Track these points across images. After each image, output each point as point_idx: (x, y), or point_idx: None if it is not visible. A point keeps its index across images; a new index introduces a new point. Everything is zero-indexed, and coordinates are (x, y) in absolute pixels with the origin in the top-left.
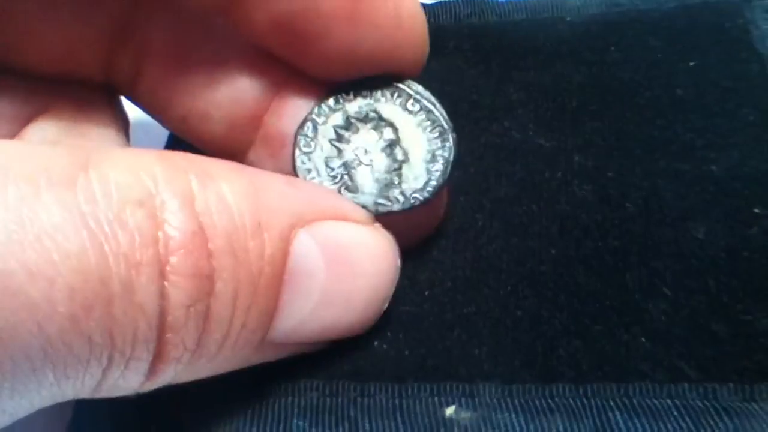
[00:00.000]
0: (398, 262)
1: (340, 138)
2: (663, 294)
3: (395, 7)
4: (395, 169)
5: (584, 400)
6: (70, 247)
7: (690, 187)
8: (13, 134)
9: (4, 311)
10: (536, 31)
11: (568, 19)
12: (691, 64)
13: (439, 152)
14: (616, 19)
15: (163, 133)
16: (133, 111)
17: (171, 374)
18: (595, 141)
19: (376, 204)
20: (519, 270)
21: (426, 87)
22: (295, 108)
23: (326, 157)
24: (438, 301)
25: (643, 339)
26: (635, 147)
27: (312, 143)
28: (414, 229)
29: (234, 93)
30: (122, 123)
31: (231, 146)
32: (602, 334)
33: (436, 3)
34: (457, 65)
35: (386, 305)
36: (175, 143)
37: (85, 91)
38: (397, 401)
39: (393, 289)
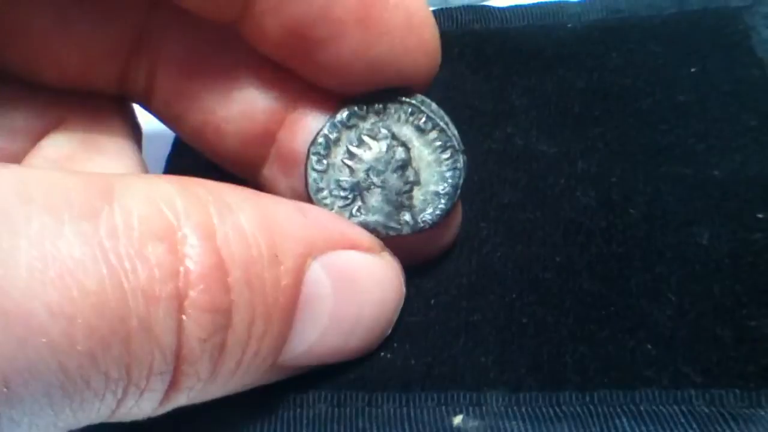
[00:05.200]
0: (403, 288)
1: (352, 156)
2: (668, 299)
3: (406, 12)
4: (406, 192)
5: (591, 407)
6: (89, 285)
7: (693, 191)
8: (28, 148)
9: (26, 350)
10: (538, 37)
11: (569, 25)
12: (692, 69)
13: (449, 174)
14: (616, 25)
15: (170, 140)
16: (142, 117)
17: (183, 400)
18: (597, 146)
19: (386, 227)
20: (524, 277)
21: (440, 106)
22: (308, 125)
23: (338, 177)
24: (443, 309)
25: (648, 345)
26: (637, 152)
27: (324, 161)
28: (428, 247)
29: (247, 107)
30: (135, 134)
31: (244, 161)
32: (608, 340)
33: (438, 9)
34: (459, 71)
35: (390, 330)
36: (180, 148)
37: (99, 104)
38: (404, 410)
39: (397, 314)
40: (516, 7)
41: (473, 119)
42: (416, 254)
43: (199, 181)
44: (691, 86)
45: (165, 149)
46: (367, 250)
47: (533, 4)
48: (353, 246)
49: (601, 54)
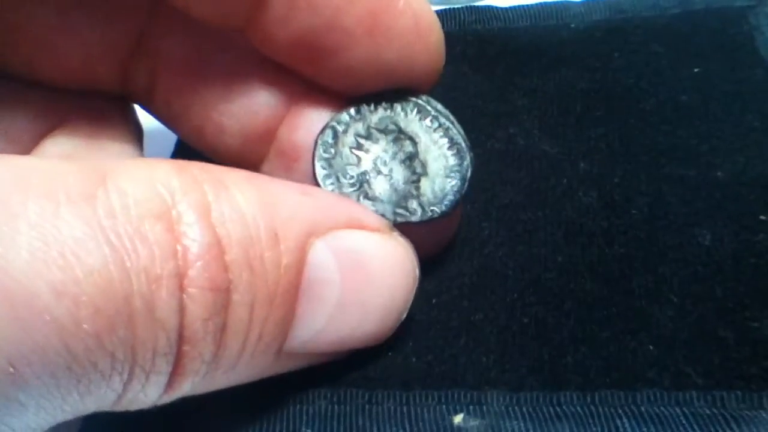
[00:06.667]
0: (417, 271)
1: (360, 146)
2: (669, 300)
3: (414, 20)
4: (413, 181)
5: (592, 407)
6: (93, 263)
7: (695, 192)
8: (29, 148)
9: (31, 331)
10: (540, 37)
11: (572, 25)
12: (696, 70)
13: (456, 169)
14: (619, 26)
15: (171, 138)
16: (143, 117)
17: (188, 387)
18: (599, 147)
19: (395, 213)
20: (525, 277)
21: (445, 105)
22: (309, 121)
23: (346, 164)
24: (445, 309)
25: (650, 346)
26: (640, 153)
27: (332, 149)
28: (427, 244)
29: (249, 105)
30: (136, 134)
31: (245, 158)
32: (609, 341)
33: (441, 10)
34: (461, 71)
35: (404, 315)
36: (183, 149)
37: (100, 104)
38: (404, 409)
39: (411, 298)
40: (518, 7)
41: (475, 119)
42: (416, 250)
43: (195, 163)
44: (694, 87)
45: (166, 149)
46: (376, 230)
47: (536, 4)
48: (360, 226)
49: (604, 54)
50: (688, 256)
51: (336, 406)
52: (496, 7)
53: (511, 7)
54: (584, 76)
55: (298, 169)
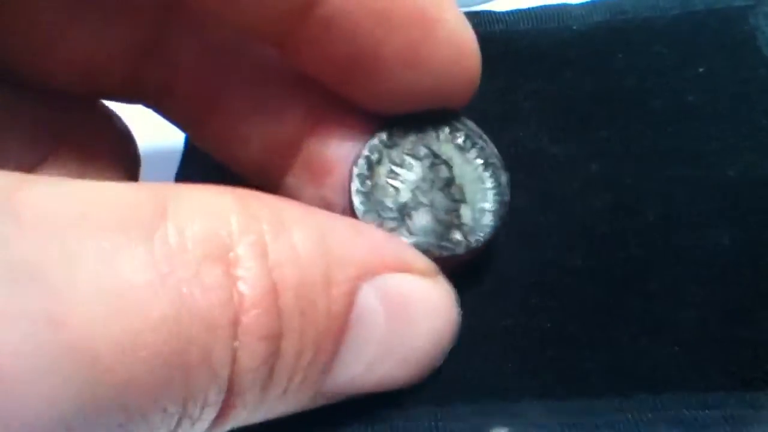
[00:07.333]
0: (457, 317)
1: (395, 176)
2: (687, 302)
3: (455, 49)
4: (453, 210)
5: (628, 414)
6: (151, 315)
7: (707, 192)
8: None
9: (90, 388)
10: (542, 39)
11: (574, 27)
12: (700, 70)
13: (493, 191)
14: (621, 26)
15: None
16: (151, 119)
17: (227, 429)
18: (607, 149)
19: (440, 247)
20: (543, 282)
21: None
22: (338, 133)
23: (384, 198)
24: (463, 318)
25: (674, 347)
26: (650, 153)
27: (368, 182)
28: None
29: (273, 116)
30: (133, 164)
31: (267, 169)
32: (630, 345)
33: None
34: None
35: (442, 360)
36: (192, 152)
37: (95, 131)
38: (440, 425)
39: (451, 344)
40: (519, 10)
41: (481, 123)
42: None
43: (253, 194)
44: (699, 87)
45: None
46: (422, 273)
47: (536, 7)
48: (408, 269)
49: (606, 55)
50: (704, 256)
51: (369, 428)
52: (497, 12)
53: (511, 11)
54: (588, 78)
55: (329, 185)
